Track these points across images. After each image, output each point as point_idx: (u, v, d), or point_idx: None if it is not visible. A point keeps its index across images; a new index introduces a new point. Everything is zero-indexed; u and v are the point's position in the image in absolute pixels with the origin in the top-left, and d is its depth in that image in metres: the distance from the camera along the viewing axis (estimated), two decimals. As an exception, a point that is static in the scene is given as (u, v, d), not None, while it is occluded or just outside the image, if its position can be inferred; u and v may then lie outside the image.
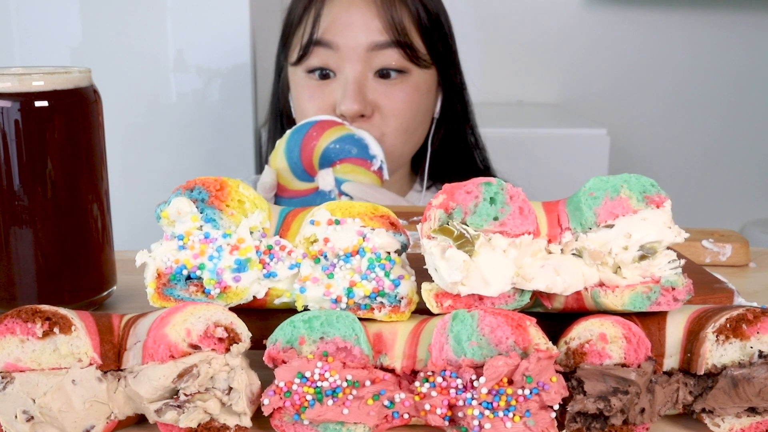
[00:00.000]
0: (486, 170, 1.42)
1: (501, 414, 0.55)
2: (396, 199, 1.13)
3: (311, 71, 1.25)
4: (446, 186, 0.61)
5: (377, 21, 1.21)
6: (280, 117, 1.41)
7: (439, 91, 1.34)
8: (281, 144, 1.15)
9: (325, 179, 1.13)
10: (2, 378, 0.55)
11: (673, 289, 0.59)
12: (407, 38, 1.22)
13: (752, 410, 0.59)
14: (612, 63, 2.56)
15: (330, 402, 0.56)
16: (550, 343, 0.55)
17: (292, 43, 1.30)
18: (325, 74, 1.24)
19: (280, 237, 0.63)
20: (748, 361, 0.57)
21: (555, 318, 0.63)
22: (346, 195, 1.11)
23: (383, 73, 1.23)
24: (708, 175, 2.65)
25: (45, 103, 0.73)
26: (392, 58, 1.22)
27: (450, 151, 1.38)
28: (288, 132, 1.16)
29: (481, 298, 0.59)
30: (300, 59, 1.26)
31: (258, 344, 0.59)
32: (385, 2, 1.22)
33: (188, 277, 0.61)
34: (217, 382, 0.56)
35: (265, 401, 0.56)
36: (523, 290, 0.59)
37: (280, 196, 1.15)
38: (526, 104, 2.56)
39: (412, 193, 1.41)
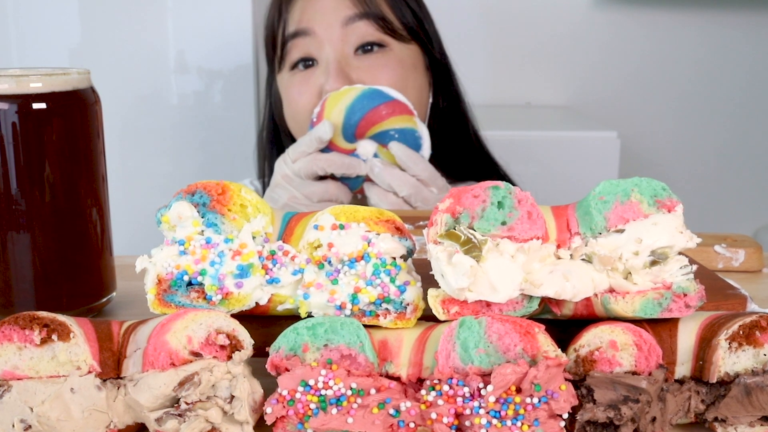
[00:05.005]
0: (490, 164, 1.41)
1: (509, 423, 0.54)
2: (419, 188, 1.11)
3: (295, 66, 1.27)
4: (453, 190, 0.60)
5: None
6: (275, 131, 1.41)
7: (429, 74, 1.34)
8: (345, 99, 1.14)
9: (366, 148, 1.14)
10: (-1, 386, 0.55)
11: (685, 295, 0.58)
12: (377, 9, 1.24)
13: (765, 419, 0.58)
14: (622, 64, 2.54)
15: (334, 411, 0.56)
16: (559, 351, 0.55)
17: (273, 52, 1.32)
18: (308, 64, 1.26)
19: (284, 242, 0.62)
20: (762, 369, 0.57)
21: (564, 325, 0.63)
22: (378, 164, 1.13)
23: (365, 50, 1.24)
24: (721, 179, 2.62)
25: (43, 105, 0.72)
26: (367, 31, 1.24)
27: (451, 141, 1.37)
28: (358, 90, 1.14)
29: (488, 304, 0.59)
30: (282, 58, 1.28)
31: (261, 352, 0.59)
32: None
33: (189, 283, 0.61)
34: (219, 391, 0.56)
35: (268, 410, 0.56)
36: (531, 296, 0.59)
37: None
38: (534, 106, 2.55)
39: None
